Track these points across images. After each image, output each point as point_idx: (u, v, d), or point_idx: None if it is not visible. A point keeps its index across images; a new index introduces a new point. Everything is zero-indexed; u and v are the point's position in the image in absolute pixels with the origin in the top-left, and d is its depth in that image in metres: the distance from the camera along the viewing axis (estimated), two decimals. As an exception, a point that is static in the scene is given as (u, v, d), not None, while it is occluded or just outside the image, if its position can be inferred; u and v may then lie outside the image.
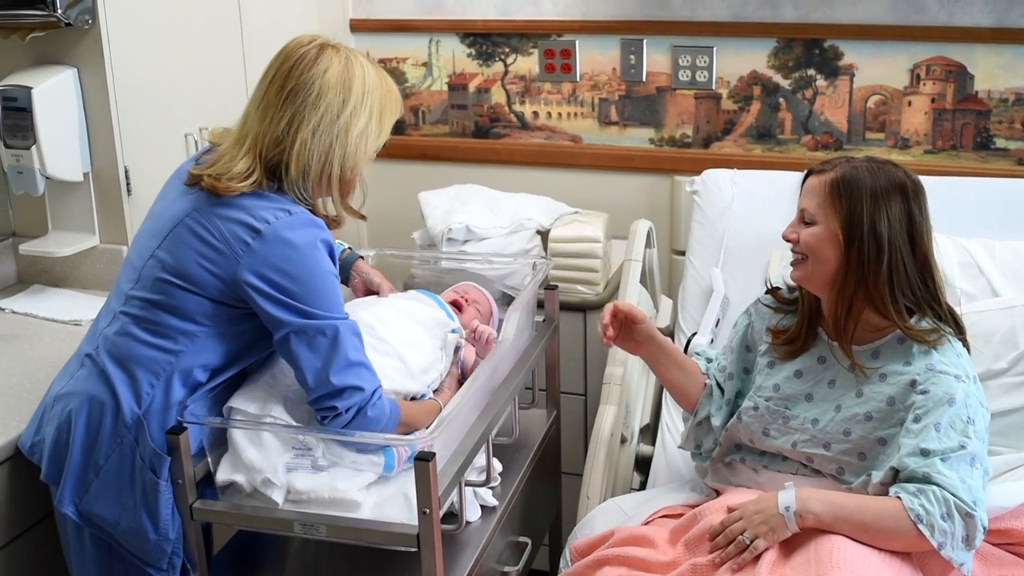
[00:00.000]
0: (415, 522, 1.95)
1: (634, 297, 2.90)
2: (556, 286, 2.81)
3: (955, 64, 3.22)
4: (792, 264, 2.23)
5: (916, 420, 2.06)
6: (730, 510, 2.11)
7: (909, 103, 3.30)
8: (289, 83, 2.09)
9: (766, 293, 2.41)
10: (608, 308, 2.39)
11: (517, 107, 3.71)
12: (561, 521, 2.97)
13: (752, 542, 2.01)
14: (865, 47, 3.29)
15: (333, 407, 2.03)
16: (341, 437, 2.07)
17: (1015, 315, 2.57)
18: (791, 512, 2.01)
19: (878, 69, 3.30)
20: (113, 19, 2.65)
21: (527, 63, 3.64)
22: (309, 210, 2.12)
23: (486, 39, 3.67)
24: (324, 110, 2.07)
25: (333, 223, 2.21)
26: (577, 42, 3.56)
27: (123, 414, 2.06)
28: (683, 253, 3.24)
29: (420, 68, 3.77)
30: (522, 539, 2.54)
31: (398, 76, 3.79)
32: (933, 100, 3.28)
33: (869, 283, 2.13)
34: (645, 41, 3.49)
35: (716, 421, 2.37)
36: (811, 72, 3.37)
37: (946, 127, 3.29)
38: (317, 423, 2.08)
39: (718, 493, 2.33)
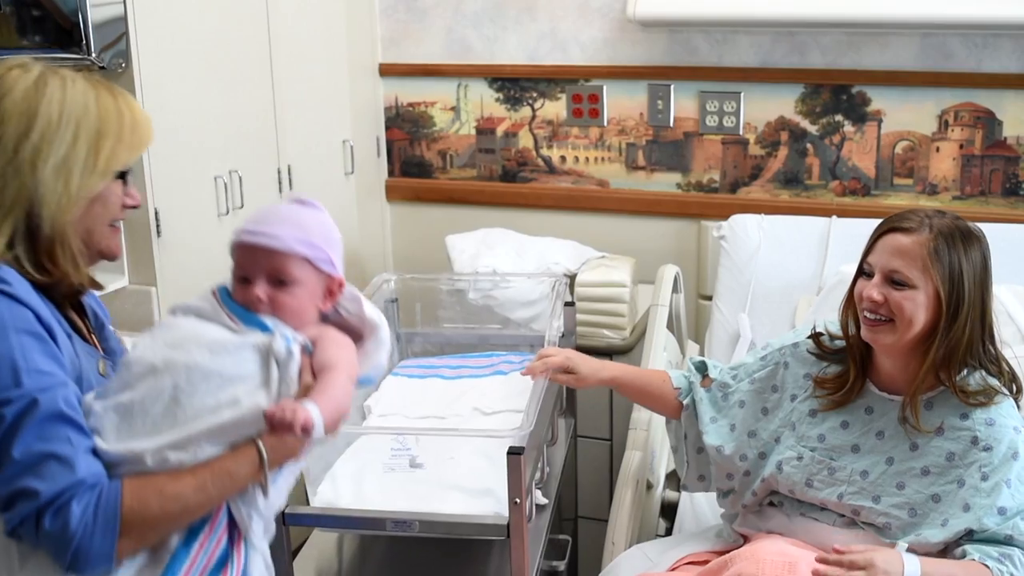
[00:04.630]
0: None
1: (660, 342, 2.89)
2: (572, 303, 2.87)
3: (983, 110, 3.22)
4: (870, 325, 2.10)
5: (984, 478, 2.01)
6: (839, 554, 1.97)
7: (937, 149, 3.30)
8: None
9: (808, 338, 2.32)
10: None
11: (544, 151, 3.72)
12: (577, 560, 2.98)
13: None
14: (893, 93, 3.29)
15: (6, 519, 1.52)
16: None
17: (1045, 362, 2.54)
18: None
19: (906, 115, 3.30)
20: (146, 62, 2.68)
21: (555, 108, 3.66)
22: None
23: (514, 84, 3.69)
24: None
25: (89, 283, 1.74)
26: (604, 87, 3.58)
27: None
28: (710, 298, 3.24)
29: (448, 112, 3.79)
30: (563, 537, 2.72)
31: (426, 120, 3.82)
32: (961, 146, 3.27)
33: (952, 345, 2.05)
34: (672, 86, 3.50)
35: (712, 440, 2.33)
36: (839, 118, 3.37)
37: (974, 173, 3.28)
38: None
39: (746, 539, 2.31)
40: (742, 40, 3.39)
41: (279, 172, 3.21)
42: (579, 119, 3.64)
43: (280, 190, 3.21)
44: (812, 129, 3.41)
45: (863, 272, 2.14)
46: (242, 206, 3.01)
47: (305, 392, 1.62)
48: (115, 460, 1.55)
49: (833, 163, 3.41)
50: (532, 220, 3.68)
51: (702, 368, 2.43)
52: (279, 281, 1.68)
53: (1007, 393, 2.09)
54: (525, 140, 3.73)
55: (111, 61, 2.61)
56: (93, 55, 2.57)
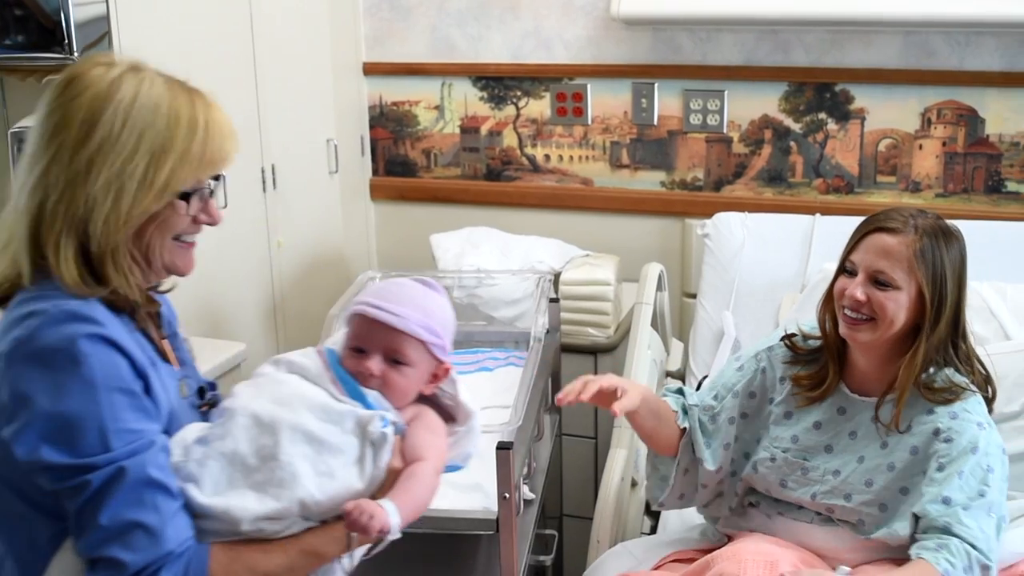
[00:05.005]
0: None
1: (645, 340, 2.90)
2: (557, 299, 2.88)
3: (966, 108, 3.23)
4: (851, 323, 2.10)
5: (940, 468, 2.02)
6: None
7: (920, 147, 3.31)
8: (38, 119, 1.55)
9: (781, 340, 2.33)
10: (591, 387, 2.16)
11: (529, 150, 3.72)
12: (563, 557, 2.99)
13: None
14: (876, 91, 3.30)
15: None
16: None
17: (1027, 358, 2.56)
18: None
19: (889, 113, 3.31)
20: (128, 62, 2.68)
21: (539, 106, 3.66)
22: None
23: (498, 83, 3.69)
24: (56, 150, 1.50)
25: (145, 301, 1.65)
26: (588, 85, 3.58)
27: None
28: (694, 296, 3.24)
29: (432, 111, 3.79)
30: (548, 532, 2.78)
31: (410, 119, 3.81)
32: (944, 144, 3.28)
33: (930, 344, 2.08)
34: (656, 85, 3.50)
35: (709, 466, 2.29)
36: (822, 116, 3.37)
37: (957, 171, 3.29)
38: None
39: (729, 538, 2.31)
40: (726, 38, 3.39)
41: (263, 171, 3.20)
42: (563, 118, 3.64)
43: (264, 189, 3.20)
44: (796, 127, 3.41)
45: (845, 270, 2.14)
46: (225, 205, 2.97)
47: (391, 479, 1.63)
48: (207, 514, 1.54)
49: (817, 161, 3.42)
50: (516, 219, 3.68)
51: (680, 395, 2.41)
52: (394, 360, 1.69)
53: (974, 390, 2.11)
54: (509, 139, 3.73)
55: (93, 60, 2.60)
56: (75, 55, 2.56)
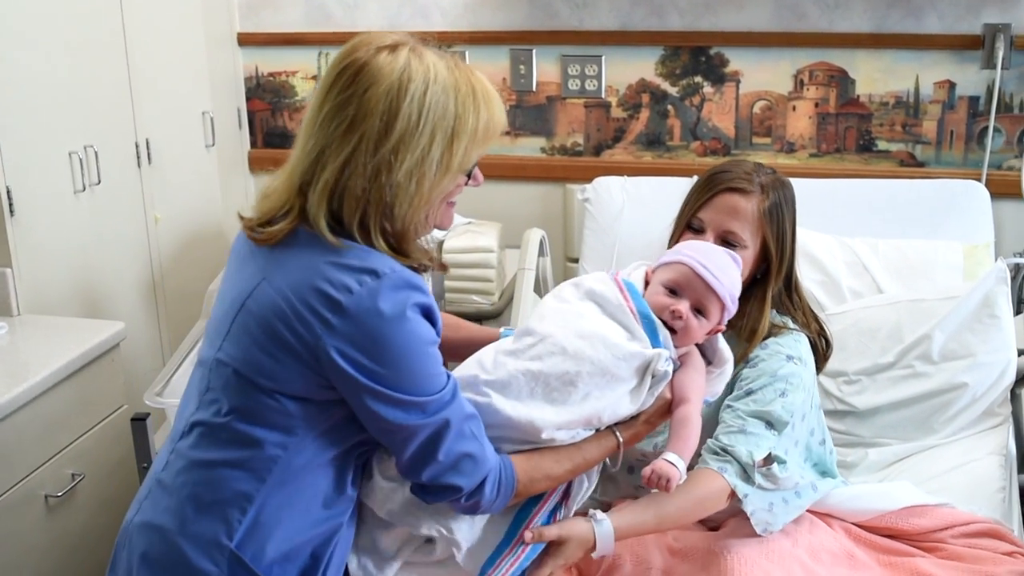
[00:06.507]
0: None
1: (528, 305, 2.91)
2: (445, 266, 2.83)
3: (837, 69, 3.30)
4: None
5: (739, 388, 2.12)
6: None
7: (794, 108, 3.37)
8: (326, 103, 1.68)
9: None
10: None
11: (408, 119, 3.69)
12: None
13: None
14: (750, 54, 3.35)
15: (428, 497, 1.78)
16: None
17: (899, 310, 2.64)
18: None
19: (763, 75, 3.36)
20: (-9, 35, 2.60)
21: (417, 75, 3.64)
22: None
23: (376, 51, 3.65)
24: (358, 141, 1.64)
25: (438, 266, 1.87)
26: (467, 53, 3.57)
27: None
28: (577, 260, 3.26)
29: (310, 81, 3.75)
30: None
31: (288, 90, 3.77)
32: (817, 105, 3.35)
33: (774, 294, 2.19)
34: (534, 51, 3.51)
35: None
36: (698, 79, 3.42)
37: (830, 131, 3.36)
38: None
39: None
40: (602, 4, 3.41)
41: (137, 146, 3.14)
42: (442, 85, 3.63)
43: (139, 164, 3.14)
44: (672, 91, 3.45)
45: (691, 227, 2.23)
46: (99, 182, 2.94)
47: (659, 404, 1.93)
48: (509, 424, 1.82)
49: (694, 124, 3.46)
50: (398, 188, 3.65)
51: None
52: (698, 310, 1.97)
53: (795, 329, 2.20)
54: (389, 108, 3.70)
55: (-46, 34, 2.53)
56: (-65, 28, 2.48)
